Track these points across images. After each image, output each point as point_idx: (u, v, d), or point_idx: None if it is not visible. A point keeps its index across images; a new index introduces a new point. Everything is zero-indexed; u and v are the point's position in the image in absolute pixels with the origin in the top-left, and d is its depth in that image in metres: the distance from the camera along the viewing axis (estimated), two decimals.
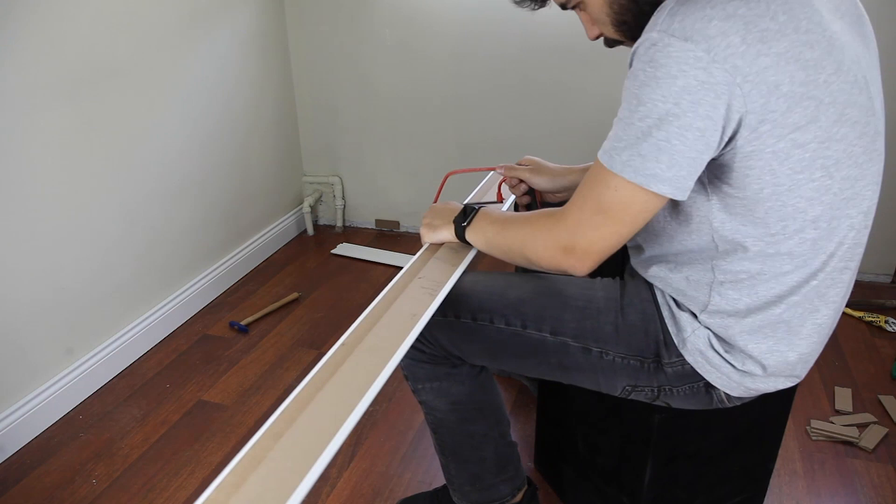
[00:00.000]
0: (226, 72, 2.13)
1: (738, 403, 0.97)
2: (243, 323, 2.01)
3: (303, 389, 0.74)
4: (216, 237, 2.20)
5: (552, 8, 0.98)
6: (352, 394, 0.72)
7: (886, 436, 1.52)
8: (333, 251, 2.50)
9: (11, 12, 1.41)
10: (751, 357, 0.89)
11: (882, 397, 1.65)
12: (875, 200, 0.86)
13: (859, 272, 2.19)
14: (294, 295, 2.16)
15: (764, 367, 0.89)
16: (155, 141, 1.86)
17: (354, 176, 2.65)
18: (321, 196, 2.70)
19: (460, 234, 1.05)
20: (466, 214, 1.05)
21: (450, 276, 1.00)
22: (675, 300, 0.94)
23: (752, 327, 0.87)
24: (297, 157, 2.64)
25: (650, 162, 0.75)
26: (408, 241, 2.59)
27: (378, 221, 2.70)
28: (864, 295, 2.13)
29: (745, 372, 0.90)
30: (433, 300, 0.93)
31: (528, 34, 2.18)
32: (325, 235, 2.66)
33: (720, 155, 0.77)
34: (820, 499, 1.37)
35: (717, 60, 0.70)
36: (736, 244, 0.83)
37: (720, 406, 0.97)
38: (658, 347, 0.94)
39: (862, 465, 1.45)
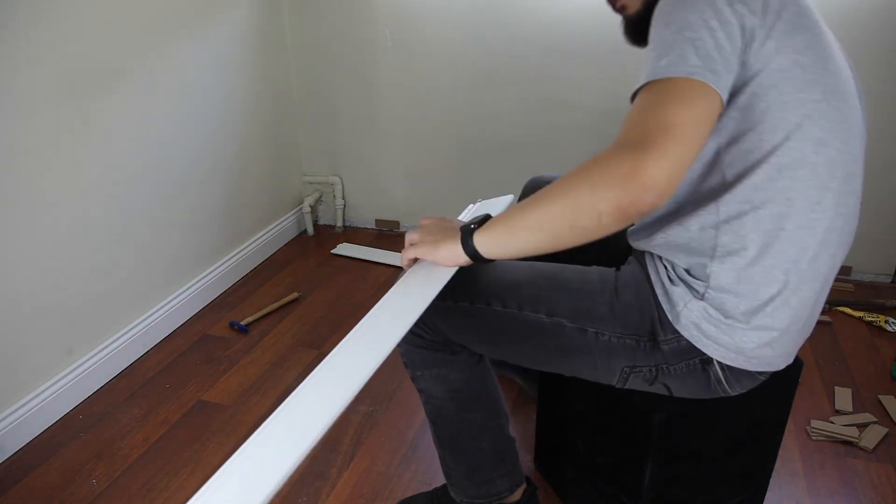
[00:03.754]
0: (225, 71, 2.13)
1: (740, 391, 0.98)
2: (243, 323, 2.01)
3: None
4: (216, 237, 2.20)
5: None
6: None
7: (886, 436, 1.52)
8: (333, 251, 2.50)
9: (11, 11, 1.41)
10: (759, 303, 0.89)
11: (882, 397, 1.65)
12: (862, 169, 0.91)
13: (859, 272, 2.21)
14: (294, 295, 2.16)
15: (770, 323, 0.89)
16: (154, 140, 1.86)
17: (354, 176, 2.65)
18: (321, 196, 2.70)
19: (468, 240, 0.92)
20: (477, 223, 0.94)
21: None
22: (669, 276, 0.94)
23: (763, 271, 0.87)
24: (297, 157, 2.63)
25: (690, 57, 0.78)
26: None
27: (378, 221, 2.70)
28: (864, 295, 2.13)
29: (740, 341, 0.90)
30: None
31: (529, 34, 2.18)
32: (325, 235, 2.66)
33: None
34: (820, 499, 1.38)
35: None
36: (743, 172, 0.85)
37: (718, 389, 0.97)
38: (653, 325, 0.96)
39: (862, 465, 1.45)
